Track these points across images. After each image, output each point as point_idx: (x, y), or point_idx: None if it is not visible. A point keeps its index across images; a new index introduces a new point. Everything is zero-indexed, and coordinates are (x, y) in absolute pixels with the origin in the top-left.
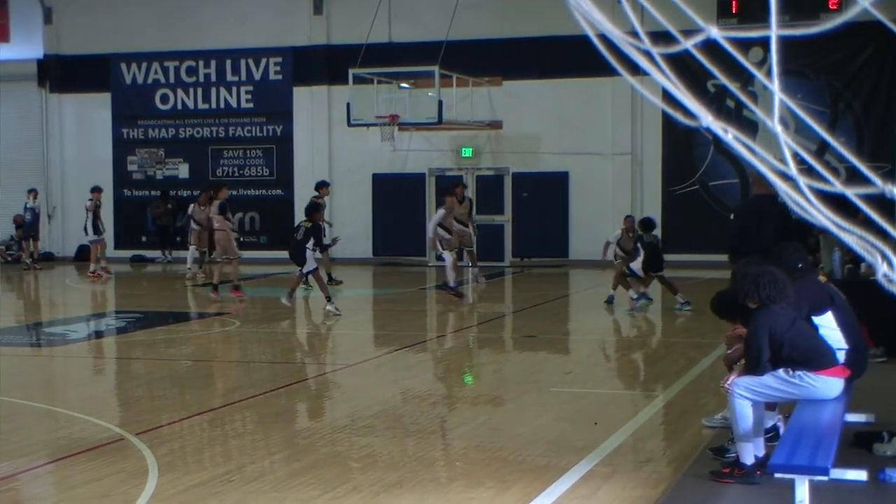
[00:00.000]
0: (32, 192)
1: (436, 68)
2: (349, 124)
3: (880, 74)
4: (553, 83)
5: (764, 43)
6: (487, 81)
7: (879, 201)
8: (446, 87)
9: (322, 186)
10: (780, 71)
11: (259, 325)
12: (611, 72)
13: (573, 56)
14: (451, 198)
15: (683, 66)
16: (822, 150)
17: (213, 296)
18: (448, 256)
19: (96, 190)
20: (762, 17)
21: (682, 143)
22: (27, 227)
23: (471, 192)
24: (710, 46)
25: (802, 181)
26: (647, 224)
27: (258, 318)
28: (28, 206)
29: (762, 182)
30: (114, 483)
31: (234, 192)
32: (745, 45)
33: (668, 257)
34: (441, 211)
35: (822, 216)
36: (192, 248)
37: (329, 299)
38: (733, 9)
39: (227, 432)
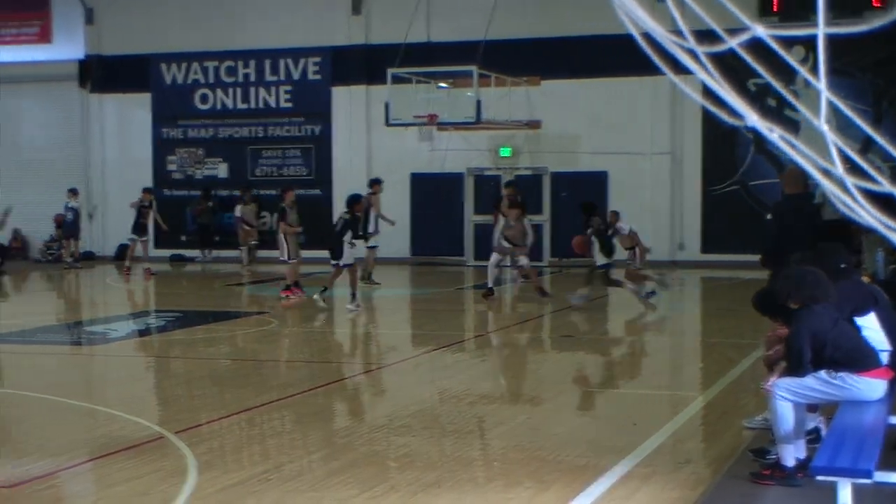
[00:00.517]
0: (73, 191)
1: (474, 68)
2: (387, 124)
3: None
4: (591, 82)
5: (806, 41)
6: (526, 81)
7: None
8: (484, 87)
9: (374, 184)
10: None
11: (297, 324)
12: (650, 71)
13: (611, 55)
14: (516, 210)
15: (726, 64)
16: (865, 148)
17: (289, 294)
18: (495, 256)
19: (144, 190)
20: (803, 16)
21: (722, 143)
22: (67, 226)
23: None
24: (753, 45)
25: (849, 180)
26: (594, 206)
27: (296, 318)
28: (69, 205)
29: (794, 181)
30: (153, 481)
31: (273, 192)
32: (787, 43)
33: (707, 258)
34: (501, 221)
35: (868, 216)
36: (242, 249)
37: (354, 297)
38: (774, 7)
39: (266, 431)
